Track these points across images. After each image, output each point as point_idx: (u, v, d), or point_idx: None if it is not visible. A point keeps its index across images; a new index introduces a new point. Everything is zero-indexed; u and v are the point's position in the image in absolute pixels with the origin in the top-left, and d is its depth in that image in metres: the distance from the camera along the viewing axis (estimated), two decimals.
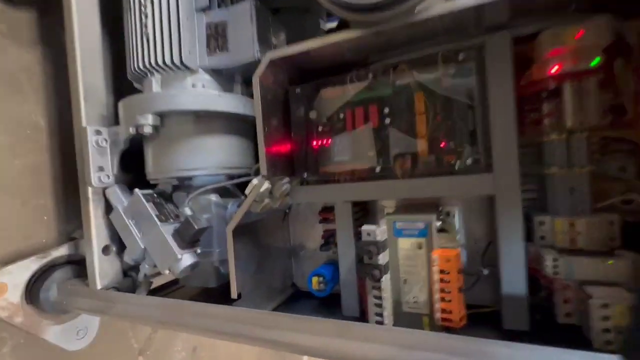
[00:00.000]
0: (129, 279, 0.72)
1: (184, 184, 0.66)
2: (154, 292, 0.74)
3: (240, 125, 0.68)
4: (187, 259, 0.58)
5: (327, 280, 0.58)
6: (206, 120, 0.62)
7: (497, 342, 0.33)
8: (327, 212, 0.65)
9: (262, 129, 0.49)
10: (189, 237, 0.57)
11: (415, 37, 0.49)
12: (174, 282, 0.79)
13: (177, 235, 0.58)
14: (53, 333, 0.72)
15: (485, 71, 0.45)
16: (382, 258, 0.48)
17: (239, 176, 0.68)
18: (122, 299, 0.63)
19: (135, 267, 0.74)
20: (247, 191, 0.49)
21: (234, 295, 0.51)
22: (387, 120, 0.54)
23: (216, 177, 0.66)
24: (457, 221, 0.52)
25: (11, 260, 0.73)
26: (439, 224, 0.50)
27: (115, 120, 0.71)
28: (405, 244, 0.49)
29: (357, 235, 0.55)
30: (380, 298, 0.49)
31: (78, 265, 0.78)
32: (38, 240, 0.79)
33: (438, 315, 0.46)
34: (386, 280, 0.49)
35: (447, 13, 0.40)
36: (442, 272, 0.45)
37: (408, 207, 0.56)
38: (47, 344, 0.73)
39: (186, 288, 0.82)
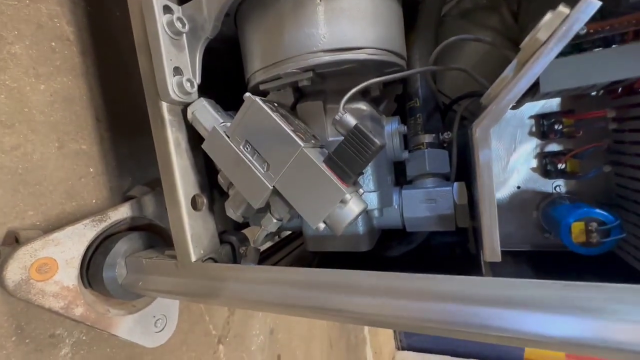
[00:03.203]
0: (227, 247, 0.49)
1: (315, 88, 0.41)
2: None
3: None
4: (356, 203, 0.33)
5: (608, 226, 0.32)
6: None
7: None
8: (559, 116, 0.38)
9: None
10: (365, 162, 0.32)
11: None
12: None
13: (338, 163, 0.33)
14: (126, 326, 0.51)
15: None
16: None
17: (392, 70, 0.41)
18: (239, 274, 0.39)
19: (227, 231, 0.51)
20: (536, 38, 0.23)
21: (492, 257, 0.27)
22: None
23: (360, 76, 0.40)
24: None
25: (55, 226, 0.51)
26: None
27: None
28: None
29: None
30: None
31: (146, 233, 0.56)
32: (85, 199, 0.57)
33: None
34: None
35: None
36: None
37: None
38: (117, 339, 0.52)
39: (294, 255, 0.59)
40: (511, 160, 0.45)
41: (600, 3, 0.22)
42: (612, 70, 0.30)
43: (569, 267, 0.40)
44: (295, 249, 0.60)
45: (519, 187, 0.44)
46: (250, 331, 0.96)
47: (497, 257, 0.27)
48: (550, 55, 0.23)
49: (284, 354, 1.10)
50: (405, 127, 0.45)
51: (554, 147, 0.42)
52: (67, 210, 0.54)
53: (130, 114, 0.63)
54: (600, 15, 0.30)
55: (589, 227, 0.33)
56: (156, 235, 0.58)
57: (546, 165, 0.41)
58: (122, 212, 0.52)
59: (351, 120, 0.33)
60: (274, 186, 0.35)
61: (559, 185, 0.41)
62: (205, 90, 0.44)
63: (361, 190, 0.36)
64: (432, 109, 0.46)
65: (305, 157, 0.33)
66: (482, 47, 0.48)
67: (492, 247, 0.27)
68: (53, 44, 0.54)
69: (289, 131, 0.34)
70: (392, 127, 0.42)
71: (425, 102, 0.45)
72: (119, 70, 0.62)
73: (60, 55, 0.55)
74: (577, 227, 0.34)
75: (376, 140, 0.31)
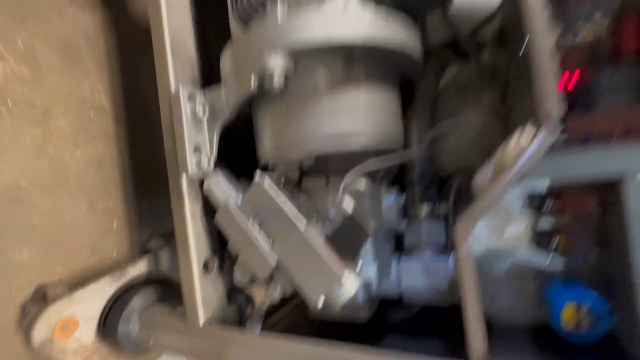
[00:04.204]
0: (235, 306, 0.51)
1: (318, 166, 0.45)
2: None
3: (392, 74, 0.46)
4: (352, 282, 0.36)
5: (597, 312, 0.33)
6: (359, 64, 0.40)
7: None
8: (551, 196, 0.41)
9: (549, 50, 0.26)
10: (357, 247, 0.35)
11: None
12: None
13: (335, 244, 0.36)
14: None
15: None
16: None
17: (389, 152, 0.45)
18: (243, 340, 0.42)
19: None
20: (506, 157, 0.26)
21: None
22: None
23: (360, 155, 0.44)
24: None
25: (79, 280, 0.55)
26: None
27: (205, 83, 0.51)
28: None
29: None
30: None
31: (160, 285, 0.59)
32: (107, 252, 0.61)
33: None
34: None
35: None
36: None
37: None
38: None
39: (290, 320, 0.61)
40: (508, 231, 0.46)
41: (559, 113, 0.25)
42: (589, 171, 0.32)
43: (572, 344, 0.40)
44: (297, 305, 0.62)
45: (515, 259, 0.45)
46: None
47: None
48: (515, 177, 0.26)
49: None
50: (404, 198, 0.48)
51: (546, 221, 0.43)
52: (91, 264, 0.58)
53: (153, 172, 0.69)
54: None
55: (580, 313, 0.34)
56: (170, 288, 0.61)
57: (539, 241, 0.43)
58: (139, 268, 0.56)
59: (347, 208, 0.36)
60: (277, 262, 0.39)
61: (554, 261, 0.42)
62: (223, 155, 0.48)
63: (359, 264, 0.39)
64: (429, 181, 0.49)
65: (306, 238, 0.36)
66: (477, 123, 0.51)
67: (478, 352, 0.28)
68: (92, 115, 0.62)
69: (292, 212, 0.38)
70: (389, 202, 0.45)
71: (422, 174, 0.49)
72: (145, 135, 0.68)
73: (96, 125, 0.62)
74: (567, 312, 0.35)
75: (367, 231, 0.34)
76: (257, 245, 0.40)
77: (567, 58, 0.36)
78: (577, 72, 0.35)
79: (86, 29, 0.63)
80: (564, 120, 0.35)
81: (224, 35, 0.49)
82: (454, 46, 0.57)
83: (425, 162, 0.49)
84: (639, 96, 0.32)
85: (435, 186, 0.49)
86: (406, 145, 0.50)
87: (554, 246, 0.41)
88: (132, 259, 0.64)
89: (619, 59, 0.33)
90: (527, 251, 0.45)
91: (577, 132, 0.34)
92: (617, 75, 0.33)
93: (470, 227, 0.28)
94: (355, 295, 0.44)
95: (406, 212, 0.49)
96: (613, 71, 0.33)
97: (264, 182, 0.40)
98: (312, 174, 0.45)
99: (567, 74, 0.36)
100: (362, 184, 0.44)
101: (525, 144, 0.26)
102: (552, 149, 0.33)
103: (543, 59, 0.26)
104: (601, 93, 0.34)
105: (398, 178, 0.53)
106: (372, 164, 0.42)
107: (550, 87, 0.25)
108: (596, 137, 0.33)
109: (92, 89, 0.62)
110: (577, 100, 0.35)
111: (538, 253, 0.44)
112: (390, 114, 0.44)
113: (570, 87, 0.36)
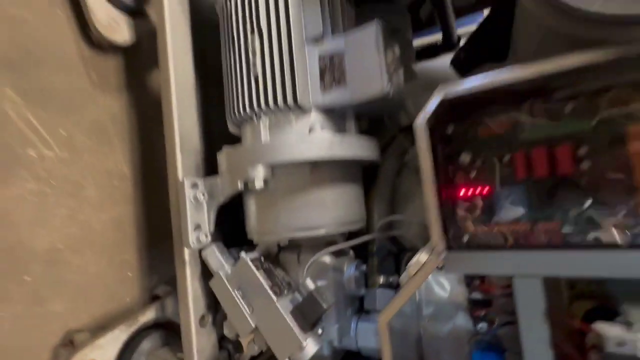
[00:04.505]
0: (225, 353, 0.61)
1: (293, 244, 0.56)
2: None
3: (354, 170, 0.57)
4: (312, 346, 0.46)
5: None
6: (324, 169, 0.52)
7: None
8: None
9: (433, 187, 0.37)
10: (315, 319, 0.45)
11: None
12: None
13: (299, 314, 0.46)
14: None
15: None
16: None
17: (355, 233, 0.56)
18: None
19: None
20: (410, 270, 0.37)
21: None
22: (586, 165, 0.39)
23: (327, 237, 0.55)
24: None
25: (99, 326, 0.67)
26: None
27: (208, 170, 0.64)
28: None
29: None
30: None
31: (165, 330, 0.70)
32: (122, 300, 0.72)
33: None
34: None
35: None
36: None
37: None
38: None
39: None
40: (451, 295, 0.56)
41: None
42: (488, 269, 0.42)
43: None
44: None
45: (455, 323, 0.55)
46: None
47: None
48: (414, 287, 0.36)
49: None
50: (364, 267, 0.58)
51: (477, 294, 0.53)
52: (108, 310, 0.69)
53: (162, 227, 0.81)
54: None
55: None
56: (173, 331, 0.72)
57: (471, 310, 0.52)
58: (148, 316, 0.67)
59: (309, 286, 0.47)
60: (255, 325, 0.49)
61: (481, 329, 0.52)
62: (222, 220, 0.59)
63: (320, 331, 0.49)
64: (385, 254, 0.59)
65: (277, 309, 0.47)
66: None
67: None
68: (115, 182, 0.74)
69: (267, 288, 0.48)
70: (350, 272, 0.55)
71: (379, 249, 0.59)
72: (157, 194, 0.80)
73: (119, 190, 0.75)
74: None
75: (324, 308, 0.44)
76: (241, 310, 0.50)
77: (479, 175, 0.46)
78: (487, 188, 0.46)
79: (113, 110, 0.77)
80: (466, 226, 0.46)
81: (225, 129, 0.62)
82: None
83: (382, 239, 0.59)
84: (526, 213, 0.42)
85: (392, 258, 0.59)
86: (369, 221, 0.61)
87: (481, 315, 0.50)
88: (142, 303, 0.76)
89: (514, 182, 0.43)
90: (464, 316, 0.54)
91: (481, 236, 0.44)
92: (512, 194, 0.43)
93: (388, 319, 0.38)
94: (321, 349, 0.54)
95: (367, 279, 0.59)
96: (509, 191, 0.44)
97: (247, 260, 0.51)
98: (287, 250, 0.56)
99: (481, 187, 0.46)
100: (327, 259, 0.54)
101: (423, 262, 0.36)
102: (462, 247, 0.44)
103: (431, 201, 0.37)
104: (501, 206, 0.44)
105: (364, 248, 0.63)
106: (336, 247, 0.52)
107: (437, 227, 0.36)
108: (495, 242, 0.43)
109: (116, 160, 0.75)
110: (484, 208, 0.46)
111: (471, 319, 0.53)
112: (353, 203, 0.55)
113: (483, 195, 0.46)
